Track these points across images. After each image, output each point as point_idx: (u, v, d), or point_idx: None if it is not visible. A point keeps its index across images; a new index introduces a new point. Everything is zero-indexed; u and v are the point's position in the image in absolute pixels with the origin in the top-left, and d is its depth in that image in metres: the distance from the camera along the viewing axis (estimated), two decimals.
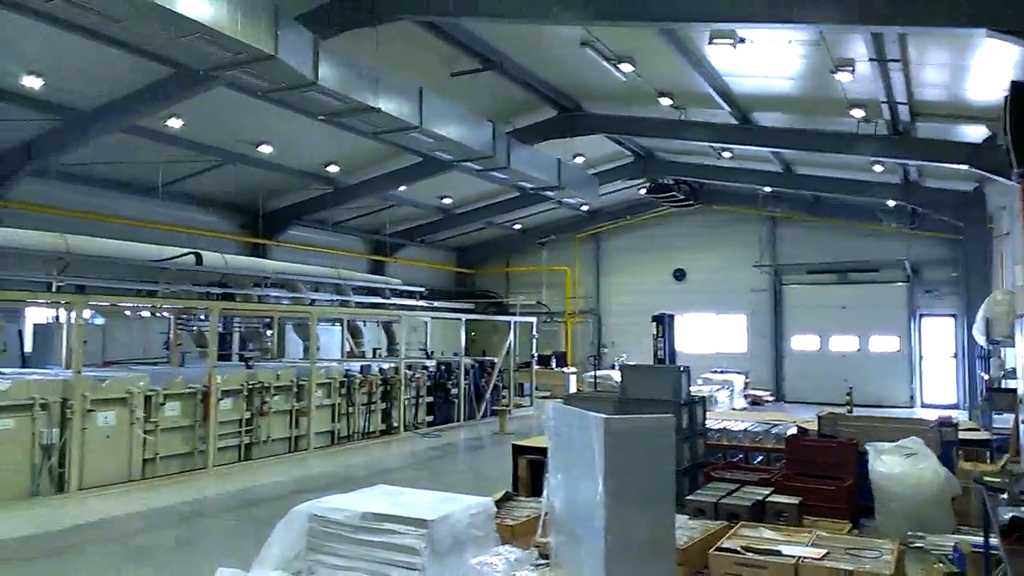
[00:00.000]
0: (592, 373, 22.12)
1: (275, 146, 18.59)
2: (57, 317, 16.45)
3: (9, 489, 9.36)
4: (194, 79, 13.46)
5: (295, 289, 19.62)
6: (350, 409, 14.80)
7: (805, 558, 5.62)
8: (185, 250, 16.47)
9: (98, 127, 15.74)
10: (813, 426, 9.86)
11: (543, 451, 6.69)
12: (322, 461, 12.99)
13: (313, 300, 19.68)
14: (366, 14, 11.94)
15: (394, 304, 22.35)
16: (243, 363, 14.69)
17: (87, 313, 14.39)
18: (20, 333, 16.41)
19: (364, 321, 21.44)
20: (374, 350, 21.25)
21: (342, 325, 20.81)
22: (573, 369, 26.10)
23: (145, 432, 10.92)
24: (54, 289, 14.14)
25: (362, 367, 15.73)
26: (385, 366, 16.31)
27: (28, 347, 16.49)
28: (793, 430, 10.07)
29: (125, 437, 10.68)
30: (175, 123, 16.16)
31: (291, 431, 13.54)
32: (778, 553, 5.72)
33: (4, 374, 11.67)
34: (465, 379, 18.09)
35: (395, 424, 15.84)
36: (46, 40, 12.71)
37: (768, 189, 24.25)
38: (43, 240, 14.51)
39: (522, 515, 6.83)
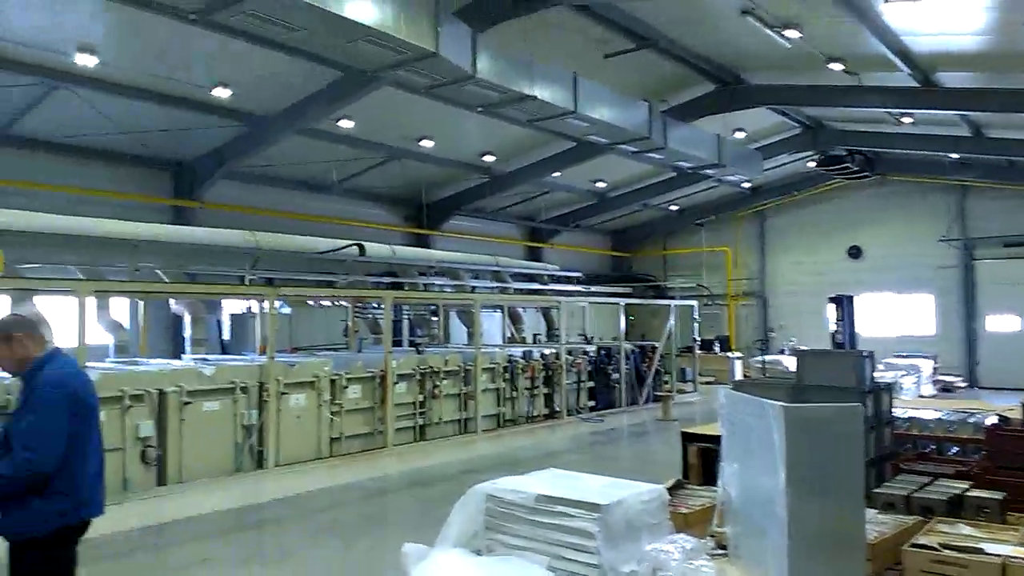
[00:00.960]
0: (760, 358, 21.27)
1: (436, 140, 19.27)
2: (250, 308, 18.01)
3: (217, 465, 10.39)
4: (363, 81, 14.23)
5: (457, 277, 20.32)
6: (514, 393, 15.16)
7: (1014, 558, 5.12)
8: (349, 242, 17.41)
9: (279, 131, 17.02)
10: (1015, 414, 8.94)
11: (715, 439, 6.52)
12: (489, 443, 13.40)
13: (474, 287, 20.31)
14: (523, 2, 12.03)
15: (552, 290, 22.59)
16: (414, 349, 15.42)
17: (276, 303, 15.63)
18: (219, 323, 18.09)
19: (524, 307, 21.82)
20: (534, 336, 21.58)
21: (502, 311, 21.32)
22: (738, 354, 25.20)
23: (331, 413, 11.75)
24: (247, 282, 15.49)
25: (524, 352, 16.04)
26: (546, 351, 16.53)
27: (226, 335, 18.17)
28: (993, 419, 9.18)
29: (314, 418, 11.56)
30: (346, 124, 17.15)
31: (460, 414, 14.08)
32: (981, 551, 5.26)
33: (208, 361, 12.98)
34: (626, 364, 17.98)
35: (557, 409, 16.04)
36: (234, 54, 13.88)
37: (955, 156, 22.12)
38: (236, 238, 15.93)
39: (695, 504, 6.70)
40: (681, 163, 18.38)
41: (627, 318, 20.01)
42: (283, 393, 11.19)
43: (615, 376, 17.67)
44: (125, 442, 9.29)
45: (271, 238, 16.48)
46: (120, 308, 15.78)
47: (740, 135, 20.83)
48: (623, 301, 19.98)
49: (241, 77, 14.99)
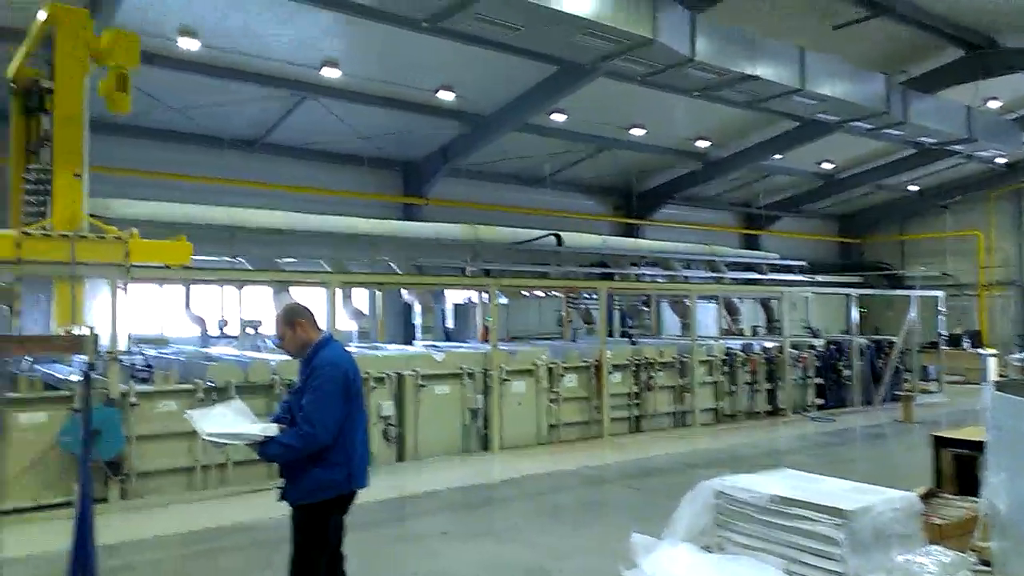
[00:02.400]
0: (1019, 356, 18.77)
1: (647, 127, 19.04)
2: (471, 298, 18.95)
3: (448, 445, 11.07)
4: (577, 74, 14.39)
5: (669, 267, 19.96)
6: (733, 388, 14.63)
7: None
8: (545, 232, 17.62)
9: (497, 128, 17.71)
10: None
11: (974, 444, 5.87)
12: (707, 438, 13.06)
13: (687, 277, 19.84)
14: None
15: (771, 279, 21.48)
16: (627, 339, 15.39)
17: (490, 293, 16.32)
18: (443, 312, 19.24)
19: (741, 298, 20.97)
20: (753, 328, 20.66)
21: (718, 302, 20.63)
22: (991, 351, 22.39)
23: (549, 400, 12.07)
24: (467, 273, 16.32)
25: (743, 345, 15.42)
26: (768, 344, 15.77)
27: (450, 324, 19.29)
28: None
29: (533, 404, 11.94)
30: (558, 117, 17.46)
31: (676, 407, 13.85)
32: None
33: (437, 347, 13.86)
34: (859, 360, 16.67)
35: (781, 406, 15.25)
36: (457, 58, 14.64)
37: None
38: (457, 231, 16.82)
39: (951, 515, 6.08)
40: (923, 139, 16.68)
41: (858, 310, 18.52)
42: (505, 379, 11.66)
43: (847, 373, 16.44)
44: (369, 420, 10.18)
45: (488, 231, 17.22)
46: (360, 298, 17.31)
47: (994, 105, 18.46)
48: (855, 291, 18.50)
49: (463, 79, 15.77)
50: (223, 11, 12.75)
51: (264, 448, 4.12)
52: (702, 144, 20.66)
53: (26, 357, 9.14)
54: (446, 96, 16.12)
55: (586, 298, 18.34)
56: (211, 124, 15.89)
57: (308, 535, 4.15)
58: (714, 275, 20.66)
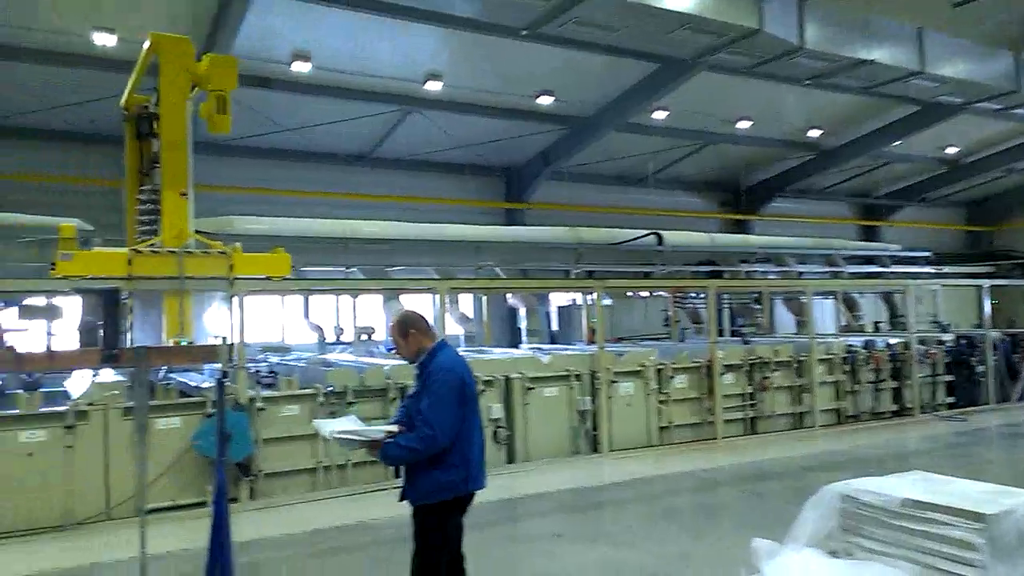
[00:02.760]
0: None
1: (754, 120, 18.50)
2: (575, 300, 18.94)
3: (557, 447, 11.09)
4: (679, 69, 14.15)
5: (782, 263, 19.27)
6: (855, 387, 13.94)
7: None
8: (645, 231, 17.31)
9: (596, 130, 17.66)
10: None
11: None
12: (829, 440, 12.51)
13: (801, 273, 19.08)
14: None
15: (894, 272, 20.35)
16: (739, 339, 14.96)
17: (595, 295, 16.25)
18: (547, 315, 19.31)
19: (860, 292, 19.97)
20: (875, 323, 19.64)
21: (835, 297, 19.74)
22: None
23: (659, 402, 11.90)
24: (571, 276, 16.32)
25: (865, 342, 14.68)
26: (892, 341, 14.94)
27: (554, 326, 19.34)
28: None
29: (642, 406, 11.80)
30: (660, 115, 17.23)
31: (794, 407, 13.34)
32: None
33: (542, 350, 13.92)
34: (992, 355, 15.56)
35: (908, 405, 14.42)
36: (555, 63, 14.71)
37: None
38: (560, 234, 16.85)
39: None
40: None
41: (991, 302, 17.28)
42: (612, 381, 11.57)
43: (980, 369, 15.37)
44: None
45: (591, 233, 17.16)
46: (466, 303, 17.63)
47: None
48: (986, 282, 17.28)
49: (562, 83, 15.82)
50: (332, 34, 13.32)
51: (385, 450, 4.27)
52: (814, 133, 19.87)
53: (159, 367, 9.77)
54: (546, 101, 16.21)
55: (693, 298, 17.96)
56: (324, 141, 16.61)
57: (428, 535, 4.26)
58: (831, 270, 19.78)
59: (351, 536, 7.55)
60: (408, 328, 4.52)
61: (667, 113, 17.21)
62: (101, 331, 11.98)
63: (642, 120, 17.59)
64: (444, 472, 4.23)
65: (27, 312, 11.58)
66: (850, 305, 19.80)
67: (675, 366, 12.20)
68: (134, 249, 8.51)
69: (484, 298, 17.09)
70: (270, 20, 12.55)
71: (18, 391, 9.10)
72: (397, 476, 9.18)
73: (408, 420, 4.36)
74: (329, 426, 4.50)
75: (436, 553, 4.26)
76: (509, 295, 16.81)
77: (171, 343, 8.69)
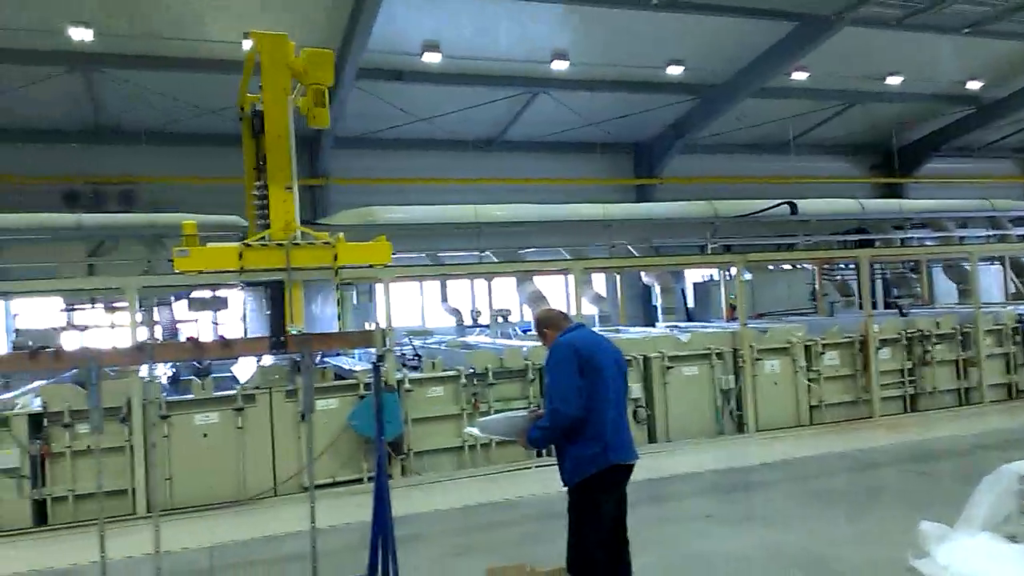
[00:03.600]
0: None
1: (904, 74, 17.18)
2: (712, 276, 18.39)
3: (699, 427, 10.84)
4: (819, 27, 13.34)
5: (941, 228, 17.84)
6: None
7: None
8: (777, 201, 16.35)
9: (730, 97, 16.99)
10: None
11: None
12: (999, 416, 11.54)
13: (963, 238, 17.59)
14: None
15: None
16: (896, 311, 14.02)
17: (734, 270, 15.70)
18: (683, 292, 18.85)
19: None
20: None
21: (1002, 263, 18.07)
22: None
23: (808, 380, 11.36)
24: (708, 251, 15.82)
25: None
26: None
27: (690, 303, 18.87)
28: None
29: (790, 384, 11.31)
30: (800, 76, 16.33)
31: (959, 383, 12.38)
32: None
33: (680, 328, 13.62)
34: None
35: None
36: (684, 30, 14.26)
37: None
38: (694, 208, 16.35)
39: None
40: None
41: None
42: (757, 359, 11.16)
43: None
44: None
45: (727, 206, 16.52)
46: (599, 282, 17.53)
47: None
48: None
49: (692, 51, 15.32)
50: (458, 22, 13.54)
51: (529, 435, 4.38)
52: (973, 86, 18.23)
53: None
54: (675, 71, 15.76)
55: (842, 268, 16.98)
56: (455, 128, 16.94)
57: (580, 513, 4.29)
58: (996, 233, 18.11)
59: (499, 513, 7.72)
60: (543, 327, 4.74)
61: (807, 74, 16.28)
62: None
63: (780, 83, 16.73)
64: (580, 447, 4.28)
65: (195, 305, 12.63)
66: (1019, 271, 18.07)
67: (825, 342, 11.61)
68: (245, 243, 8.97)
69: (618, 277, 16.93)
70: (401, 13, 12.89)
71: (191, 377, 9.95)
72: (538, 456, 9.32)
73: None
74: (478, 426, 4.82)
75: (589, 530, 4.27)
76: (643, 273, 16.53)
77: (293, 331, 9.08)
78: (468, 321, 15.95)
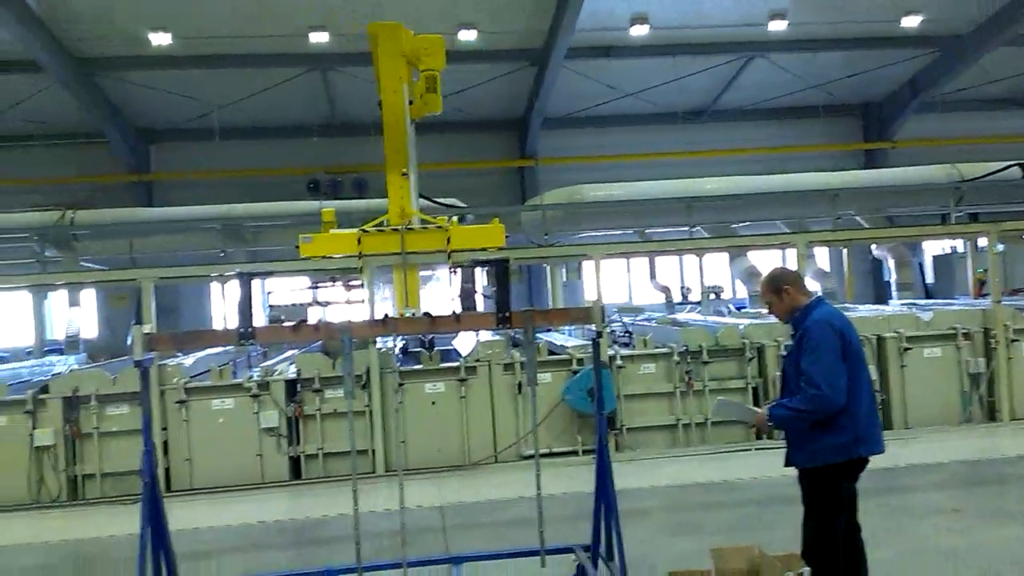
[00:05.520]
0: None
1: None
2: (954, 248, 16.55)
3: (943, 414, 9.82)
4: None
5: None
6: None
7: None
8: (1007, 163, 14.12)
9: (978, 47, 15.09)
10: None
11: None
12: None
13: None
14: None
15: None
16: None
17: (983, 241, 13.98)
18: (920, 266, 17.15)
19: None
20: None
21: None
22: None
23: None
24: (952, 220, 14.21)
25: None
26: None
27: (929, 278, 17.12)
28: None
29: None
30: None
31: None
32: None
33: (918, 305, 12.40)
34: None
35: None
36: None
37: None
38: (935, 173, 14.73)
39: None
40: None
41: None
42: (1013, 340, 9.90)
43: None
44: None
45: (972, 168, 14.71)
46: (822, 257, 16.40)
47: None
48: None
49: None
50: None
51: (773, 410, 4.15)
52: None
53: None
54: (911, 22, 14.28)
55: None
56: (662, 101, 16.61)
57: (819, 500, 4.05)
58: None
59: (717, 493, 7.54)
60: (782, 285, 4.31)
61: None
62: (479, 296, 13.65)
63: None
64: (830, 434, 3.98)
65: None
66: None
67: None
68: (363, 229, 9.31)
69: (844, 251, 15.71)
70: None
71: (419, 349, 10.67)
72: (758, 438, 8.96)
73: (783, 382, 4.22)
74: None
75: (829, 518, 4.02)
76: (874, 246, 15.23)
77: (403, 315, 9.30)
78: (677, 298, 15.65)
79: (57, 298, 14.31)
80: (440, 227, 9.42)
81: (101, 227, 13.67)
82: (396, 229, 9.25)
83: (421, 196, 12.89)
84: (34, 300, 13.31)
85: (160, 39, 13.83)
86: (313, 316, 13.22)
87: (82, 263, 13.61)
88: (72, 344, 13.58)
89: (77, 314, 14.00)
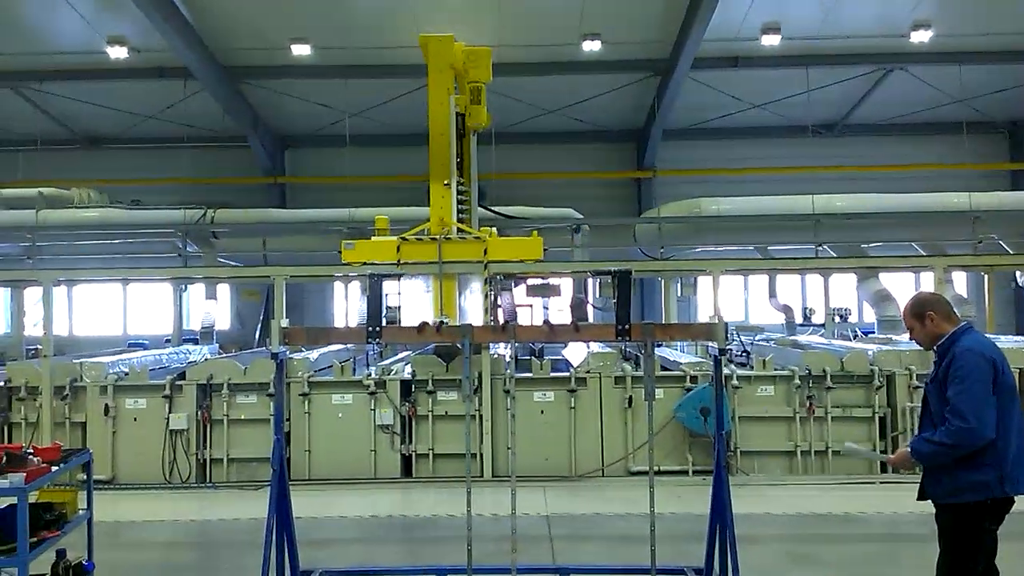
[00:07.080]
0: None
1: None
2: None
3: None
4: None
5: None
6: None
7: None
8: None
9: None
10: None
11: None
12: None
13: None
14: None
15: None
16: None
17: None
18: None
19: None
20: None
21: None
22: None
23: None
24: None
25: None
26: None
27: None
28: None
29: None
30: None
31: None
32: None
33: None
34: None
35: None
36: None
37: None
38: None
39: None
40: None
41: None
42: None
43: None
44: None
45: None
46: (960, 282, 15.33)
47: None
48: None
49: None
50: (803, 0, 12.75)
51: (914, 445, 3.90)
52: None
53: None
54: None
55: None
56: (791, 113, 16.02)
57: (956, 540, 3.77)
58: None
59: (838, 526, 7.16)
60: (925, 310, 4.06)
61: None
62: (588, 307, 13.57)
63: None
64: (972, 471, 3.70)
65: (532, 290, 13.60)
66: None
67: None
68: (402, 237, 9.30)
69: (986, 277, 14.63)
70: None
71: (528, 357, 10.72)
72: (883, 472, 8.46)
73: (921, 411, 3.97)
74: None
75: (967, 561, 3.74)
76: (1018, 273, 14.10)
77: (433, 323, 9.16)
78: (799, 319, 15.01)
79: (195, 291, 15.28)
80: (478, 238, 9.52)
81: (238, 225, 14.54)
82: (435, 238, 9.38)
83: (487, 207, 12.84)
84: (174, 292, 14.29)
85: (300, 49, 14.58)
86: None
87: (219, 259, 14.50)
88: (206, 335, 14.46)
89: (212, 307, 14.90)
